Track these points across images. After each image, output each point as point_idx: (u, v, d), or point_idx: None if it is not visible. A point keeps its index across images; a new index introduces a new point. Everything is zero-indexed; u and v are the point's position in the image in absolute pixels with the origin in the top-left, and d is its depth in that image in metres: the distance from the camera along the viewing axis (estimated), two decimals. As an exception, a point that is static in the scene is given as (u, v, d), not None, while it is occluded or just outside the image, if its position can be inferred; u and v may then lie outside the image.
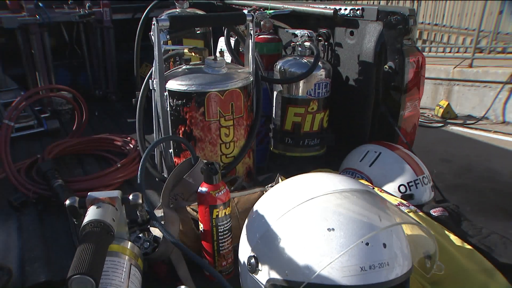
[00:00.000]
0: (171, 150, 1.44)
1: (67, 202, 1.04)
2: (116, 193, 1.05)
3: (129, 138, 2.01)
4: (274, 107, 1.70)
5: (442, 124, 4.84)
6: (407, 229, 0.94)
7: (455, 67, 5.17)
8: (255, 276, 0.81)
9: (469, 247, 1.10)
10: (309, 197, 0.79)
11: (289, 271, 0.74)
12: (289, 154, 1.70)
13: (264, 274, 0.79)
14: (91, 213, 0.98)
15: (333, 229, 0.73)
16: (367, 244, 0.72)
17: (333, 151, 1.78)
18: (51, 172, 1.66)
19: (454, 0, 6.05)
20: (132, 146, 1.93)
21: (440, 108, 5.03)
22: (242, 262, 0.88)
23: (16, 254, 1.35)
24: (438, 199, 1.53)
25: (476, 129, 4.73)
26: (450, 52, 5.84)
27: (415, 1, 6.32)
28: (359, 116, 1.70)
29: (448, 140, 4.52)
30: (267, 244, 0.79)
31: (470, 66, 5.12)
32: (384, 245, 0.73)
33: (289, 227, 0.78)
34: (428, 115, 5.13)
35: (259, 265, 0.80)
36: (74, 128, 2.13)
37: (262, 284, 0.79)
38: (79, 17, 2.55)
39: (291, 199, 0.82)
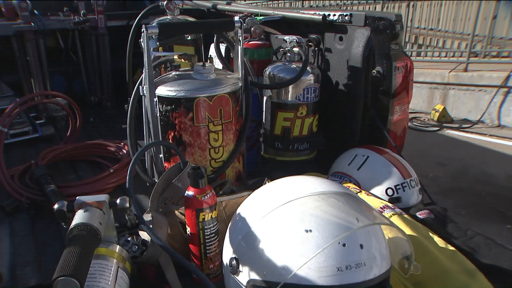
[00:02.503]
0: (161, 155, 1.46)
1: (56, 206, 1.06)
2: (103, 197, 1.06)
3: (122, 143, 2.03)
4: (264, 112, 1.72)
5: (438, 128, 4.86)
6: (387, 232, 0.96)
7: (450, 71, 5.20)
8: (236, 277, 0.83)
9: (452, 248, 1.11)
10: (288, 199, 0.81)
11: (267, 271, 0.75)
12: (279, 158, 1.72)
13: (245, 275, 0.81)
14: (78, 217, 0.99)
15: (310, 231, 0.75)
16: (343, 245, 0.74)
17: (323, 155, 1.80)
18: (44, 178, 1.68)
19: (450, 0, 6.08)
20: (125, 152, 1.95)
21: (436, 112, 5.06)
22: (225, 264, 0.90)
23: (7, 259, 1.36)
24: (427, 202, 1.54)
25: (471, 132, 4.76)
26: (445, 56, 5.88)
27: (411, 6, 6.37)
28: (348, 120, 1.72)
29: (444, 144, 4.54)
30: (248, 246, 0.81)
31: (465, 70, 5.15)
32: (361, 246, 0.75)
33: (268, 229, 0.80)
34: (424, 119, 5.15)
35: (240, 266, 0.82)
36: (68, 134, 2.15)
37: (243, 285, 0.81)
38: (74, 24, 2.58)
39: (271, 201, 0.84)
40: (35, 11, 2.49)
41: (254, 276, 0.78)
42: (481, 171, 3.81)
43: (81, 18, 2.59)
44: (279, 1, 9.43)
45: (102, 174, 1.75)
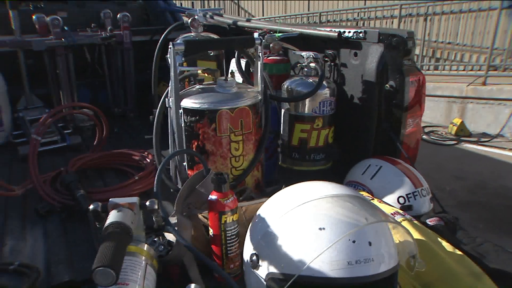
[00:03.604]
0: (185, 163, 1.57)
1: (91, 207, 1.18)
2: (134, 199, 1.18)
3: (146, 153, 2.15)
4: (282, 124, 1.83)
5: (456, 142, 4.89)
6: (396, 236, 1.04)
7: (468, 85, 5.24)
8: (257, 271, 0.93)
9: (460, 253, 1.19)
10: (304, 201, 0.91)
11: (284, 264, 0.85)
12: (296, 168, 1.82)
13: (264, 269, 0.90)
14: (112, 216, 1.11)
15: (323, 228, 0.84)
16: (354, 242, 0.83)
17: (339, 165, 1.89)
18: (74, 183, 1.81)
19: (468, 13, 6.12)
20: (149, 161, 2.07)
21: (453, 126, 5.08)
22: (246, 260, 1.00)
23: (42, 257, 1.48)
24: (438, 211, 1.61)
25: (490, 146, 4.77)
26: (463, 70, 5.92)
27: (429, 20, 6.44)
28: (363, 132, 1.81)
29: (461, 157, 4.56)
30: (267, 242, 0.91)
31: (484, 84, 5.18)
32: (370, 243, 0.84)
33: (285, 227, 0.89)
34: (442, 133, 5.18)
35: (260, 261, 0.92)
36: (95, 143, 2.29)
37: (262, 278, 0.90)
38: (101, 39, 2.75)
39: (288, 203, 0.94)
40: (65, 28, 2.67)
41: (273, 269, 0.88)
42: (500, 185, 3.82)
43: (107, 34, 2.76)
44: (297, 17, 9.62)
45: (128, 181, 1.87)
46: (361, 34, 1.78)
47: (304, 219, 0.88)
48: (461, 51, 6.44)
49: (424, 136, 5.01)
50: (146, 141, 2.51)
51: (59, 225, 1.69)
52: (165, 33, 1.95)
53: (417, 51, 6.39)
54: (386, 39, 1.70)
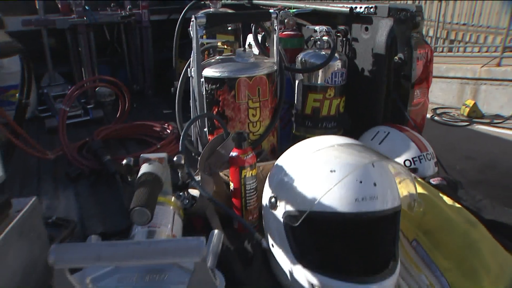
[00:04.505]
0: (205, 129, 1.71)
1: (124, 161, 1.33)
2: (163, 154, 1.32)
3: (166, 124, 2.30)
4: (296, 94, 1.95)
5: (468, 123, 4.95)
6: (402, 188, 1.17)
7: (482, 66, 5.27)
8: (275, 212, 1.07)
9: (458, 205, 1.32)
10: (316, 149, 1.05)
11: (299, 202, 0.99)
12: (309, 135, 1.93)
13: (281, 208, 1.04)
14: (144, 168, 1.26)
15: (334, 171, 0.98)
16: (360, 182, 0.96)
17: (349, 133, 2.01)
18: (101, 150, 1.98)
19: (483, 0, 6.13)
20: (169, 131, 2.22)
21: (466, 107, 5.14)
22: (264, 204, 1.14)
23: (76, 213, 1.65)
24: (442, 175, 1.73)
25: (503, 128, 4.81)
26: (478, 52, 5.94)
27: (443, 2, 6.43)
28: (372, 102, 1.93)
29: (473, 138, 4.62)
30: (284, 185, 1.05)
31: (498, 65, 5.21)
32: (375, 184, 0.97)
33: (301, 171, 1.03)
34: (454, 114, 5.24)
35: (278, 202, 1.06)
36: (117, 115, 2.44)
37: (280, 217, 1.05)
38: (121, 18, 2.89)
39: (302, 152, 1.08)
40: (86, 7, 2.81)
41: (289, 207, 1.02)
42: (511, 165, 3.89)
43: (127, 13, 2.90)
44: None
45: (150, 149, 2.02)
46: (371, 9, 1.89)
47: (317, 163, 1.02)
48: (476, 32, 6.43)
49: (435, 117, 5.09)
50: (164, 115, 2.67)
51: (88, 187, 1.86)
52: (185, 9, 2.07)
53: (430, 32, 6.41)
54: (395, 14, 1.81)
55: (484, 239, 1.20)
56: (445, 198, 1.35)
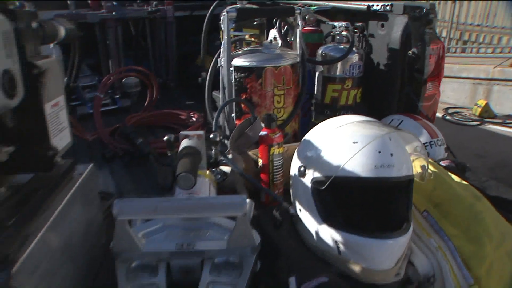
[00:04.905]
0: (233, 114, 1.90)
1: (165, 138, 1.51)
2: (201, 132, 1.51)
3: (192, 113, 2.49)
4: (316, 85, 2.14)
5: (479, 123, 5.09)
6: (416, 165, 1.35)
7: (495, 67, 5.40)
8: (303, 179, 1.25)
9: (465, 183, 1.49)
10: (339, 125, 1.23)
11: (326, 169, 1.17)
12: (327, 124, 2.13)
13: (309, 176, 1.22)
14: (186, 142, 1.44)
15: (356, 142, 1.15)
16: (379, 152, 1.14)
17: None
18: (133, 134, 2.17)
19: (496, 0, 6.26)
20: (194, 119, 2.41)
21: (478, 107, 5.27)
22: (293, 174, 1.32)
23: (113, 187, 1.84)
24: (451, 159, 1.90)
25: (515, 128, 4.94)
26: (492, 52, 6.07)
27: (458, 3, 6.57)
28: (387, 94, 2.11)
29: (484, 137, 4.75)
30: (312, 156, 1.23)
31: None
32: (391, 154, 1.15)
33: (326, 144, 1.22)
34: (465, 114, 5.38)
35: (306, 170, 1.24)
36: (146, 103, 2.64)
37: (308, 183, 1.23)
38: (147, 13, 3.10)
39: (327, 128, 1.27)
40: (114, 3, 3.02)
41: (316, 174, 1.20)
42: (523, 164, 4.00)
43: (153, 8, 3.10)
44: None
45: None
46: (388, 7, 2.06)
47: (341, 136, 1.20)
48: (491, 33, 6.57)
49: (447, 117, 5.23)
50: (186, 106, 2.86)
51: (122, 167, 2.05)
52: (212, 6, 2.25)
53: (444, 33, 6.56)
54: (410, 11, 1.98)
55: (488, 211, 1.37)
56: (454, 176, 1.52)
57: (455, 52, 6.41)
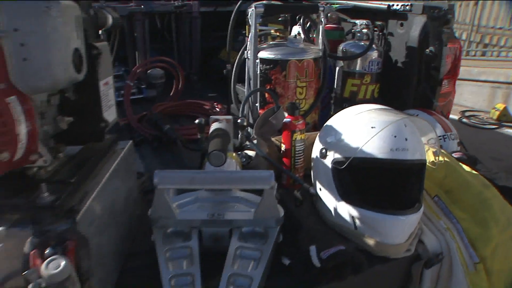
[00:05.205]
0: (257, 104, 2.04)
1: (197, 121, 1.67)
2: (229, 116, 1.66)
3: (216, 103, 2.64)
4: (335, 80, 2.27)
5: (497, 126, 5.13)
6: (428, 155, 1.48)
7: (515, 71, 5.47)
8: (324, 160, 1.39)
9: (475, 172, 1.61)
10: (358, 112, 1.37)
11: (346, 150, 1.30)
12: (345, 117, 2.26)
13: (330, 157, 1.36)
14: (215, 125, 1.59)
15: (374, 127, 1.28)
16: (395, 136, 1.27)
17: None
18: (161, 120, 2.33)
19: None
20: (218, 109, 2.56)
21: (496, 111, 5.29)
22: (315, 156, 1.46)
23: (143, 169, 2.00)
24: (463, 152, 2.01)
25: (534, 132, 4.98)
26: (512, 56, 6.13)
27: (480, 5, 6.62)
28: (404, 90, 2.23)
29: (501, 140, 4.78)
30: (333, 139, 1.37)
31: (532, 70, 5.40)
32: (406, 139, 1.28)
33: (346, 128, 1.35)
34: (483, 117, 5.43)
35: (327, 152, 1.38)
36: (172, 93, 2.80)
37: (328, 164, 1.36)
38: (174, 8, 3.26)
39: (346, 115, 1.41)
40: None
41: (337, 155, 1.33)
42: (540, 167, 4.07)
43: (179, 3, 3.26)
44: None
45: (203, 123, 2.36)
46: (407, 7, 2.18)
47: (360, 122, 1.33)
48: None
49: (463, 120, 5.29)
50: (209, 99, 3.01)
51: (151, 151, 2.20)
52: (239, 2, 2.39)
53: (464, 36, 6.62)
54: (429, 11, 2.10)
55: (496, 197, 1.49)
56: (464, 166, 1.64)
57: (474, 55, 6.47)
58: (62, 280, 0.80)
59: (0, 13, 0.85)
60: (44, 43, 0.90)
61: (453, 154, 1.79)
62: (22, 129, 0.91)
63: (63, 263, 0.81)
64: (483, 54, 6.43)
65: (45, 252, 0.85)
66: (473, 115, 5.58)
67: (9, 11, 0.86)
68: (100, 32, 1.38)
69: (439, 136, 1.92)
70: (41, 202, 0.92)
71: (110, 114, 1.28)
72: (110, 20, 1.38)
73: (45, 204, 0.92)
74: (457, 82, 2.39)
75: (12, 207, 0.95)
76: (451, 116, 2.69)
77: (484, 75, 5.68)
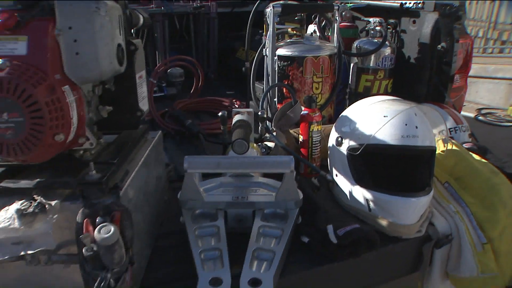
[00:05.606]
0: (275, 98, 2.17)
1: (220, 113, 1.80)
2: (251, 109, 1.79)
3: (234, 100, 2.78)
4: (350, 75, 2.38)
5: (514, 124, 5.17)
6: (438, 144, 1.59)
7: (532, 68, 5.49)
8: (340, 148, 1.51)
9: (485, 161, 1.71)
10: (371, 103, 1.49)
11: (360, 138, 1.42)
12: (360, 112, 2.38)
13: (345, 144, 1.48)
14: (238, 117, 1.72)
15: (386, 116, 1.40)
16: (406, 124, 1.38)
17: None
18: (183, 115, 2.47)
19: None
20: (237, 106, 2.69)
21: (512, 108, 5.36)
22: (331, 145, 1.58)
23: (167, 160, 2.14)
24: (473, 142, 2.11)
25: (550, 129, 5.00)
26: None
27: (497, 2, 6.63)
28: (416, 86, 2.33)
29: (517, 138, 4.84)
30: (348, 128, 1.49)
31: (549, 67, 5.42)
32: (416, 127, 1.39)
33: (360, 117, 1.47)
34: (499, 115, 5.46)
35: (343, 140, 1.50)
36: (192, 90, 2.95)
37: (344, 151, 1.48)
38: (193, 9, 3.42)
39: (360, 106, 1.53)
40: None
41: (352, 143, 1.45)
42: (554, 164, 4.11)
43: (198, 4, 3.42)
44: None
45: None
46: (419, 4, 2.29)
47: (373, 111, 1.45)
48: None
49: (480, 117, 5.34)
50: (227, 96, 3.15)
51: (174, 144, 2.35)
52: (257, 3, 2.52)
53: (480, 33, 6.66)
54: (440, 8, 2.21)
55: (504, 184, 1.59)
56: (474, 155, 1.74)
57: (491, 53, 6.50)
58: (113, 243, 0.94)
59: (58, 13, 0.99)
60: (94, 39, 1.04)
61: (464, 145, 1.89)
62: (74, 114, 1.05)
63: (113, 228, 0.94)
64: (501, 51, 6.45)
65: (96, 220, 0.99)
66: (490, 113, 5.64)
67: (65, 12, 1.01)
68: (132, 30, 1.52)
69: (450, 128, 2.03)
70: (89, 179, 1.06)
71: (143, 105, 1.42)
72: (141, 20, 1.52)
73: (93, 181, 1.06)
74: (474, 79, 2.49)
75: (63, 183, 1.09)
76: (466, 113, 2.78)
77: (501, 72, 5.72)
